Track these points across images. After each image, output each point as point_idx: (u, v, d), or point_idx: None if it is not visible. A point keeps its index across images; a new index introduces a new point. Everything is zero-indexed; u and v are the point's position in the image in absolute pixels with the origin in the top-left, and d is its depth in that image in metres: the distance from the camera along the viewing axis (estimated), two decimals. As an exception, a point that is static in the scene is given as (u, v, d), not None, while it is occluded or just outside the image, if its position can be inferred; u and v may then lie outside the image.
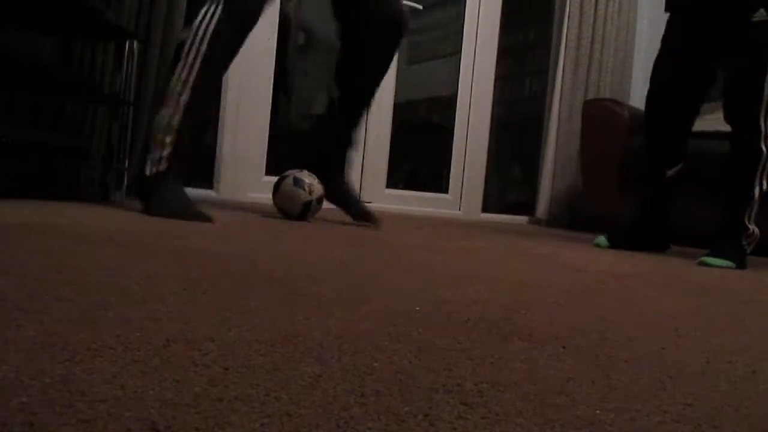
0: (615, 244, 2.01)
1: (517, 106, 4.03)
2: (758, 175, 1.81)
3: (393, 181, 3.35)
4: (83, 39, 2.11)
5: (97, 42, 2.12)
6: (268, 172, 2.87)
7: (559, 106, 3.54)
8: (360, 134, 3.12)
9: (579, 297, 0.97)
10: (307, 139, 2.12)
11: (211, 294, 0.68)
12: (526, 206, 3.80)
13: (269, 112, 2.85)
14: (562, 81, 3.54)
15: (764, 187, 1.83)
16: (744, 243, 1.83)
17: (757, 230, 1.84)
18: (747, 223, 1.82)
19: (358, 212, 1.99)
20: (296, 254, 1.15)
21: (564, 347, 0.60)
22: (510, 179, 3.96)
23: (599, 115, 3.10)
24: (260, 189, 2.83)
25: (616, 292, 1.08)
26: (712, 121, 2.84)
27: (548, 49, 3.73)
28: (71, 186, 2.13)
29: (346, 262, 1.09)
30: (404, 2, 3.20)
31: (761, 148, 1.80)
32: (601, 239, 2.03)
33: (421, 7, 3.31)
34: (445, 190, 3.55)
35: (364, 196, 3.15)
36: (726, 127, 2.72)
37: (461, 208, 3.55)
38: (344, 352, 0.51)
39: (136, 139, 2.27)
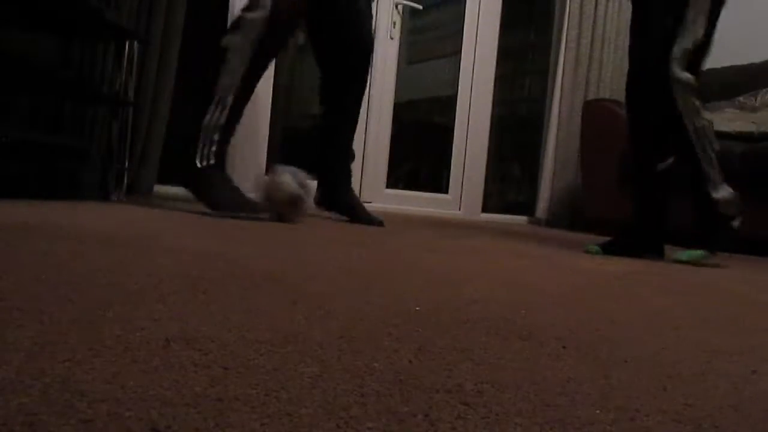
0: (608, 252, 1.83)
1: (517, 106, 4.03)
2: (698, 149, 1.71)
3: (393, 181, 3.35)
4: (83, 39, 2.11)
5: (97, 42, 2.12)
6: (268, 172, 2.87)
7: (559, 106, 3.54)
8: (361, 134, 3.13)
9: (579, 297, 0.97)
10: (316, 153, 2.26)
11: (211, 294, 0.68)
12: (526, 206, 3.80)
13: (269, 112, 2.86)
14: (562, 81, 3.54)
15: (710, 152, 1.72)
16: (721, 214, 1.72)
17: (728, 193, 1.72)
18: (714, 194, 1.72)
19: (365, 221, 2.07)
20: (296, 254, 1.15)
21: (564, 347, 0.60)
22: (510, 179, 3.96)
23: (599, 115, 3.10)
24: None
25: (616, 292, 1.08)
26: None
27: (548, 49, 3.73)
28: (71, 186, 2.13)
29: (346, 262, 1.09)
30: (404, 2, 3.20)
31: (686, 125, 1.71)
32: (593, 247, 1.83)
33: (421, 7, 3.31)
34: (445, 190, 3.55)
35: (364, 196, 3.15)
36: (727, 127, 2.73)
37: (461, 208, 3.55)
38: (344, 352, 0.51)
39: (136, 139, 2.27)
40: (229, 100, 1.74)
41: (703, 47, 1.72)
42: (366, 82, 2.19)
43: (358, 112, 2.21)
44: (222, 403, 0.37)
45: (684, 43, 1.68)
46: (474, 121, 3.52)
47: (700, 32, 1.70)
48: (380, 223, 2.04)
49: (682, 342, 0.69)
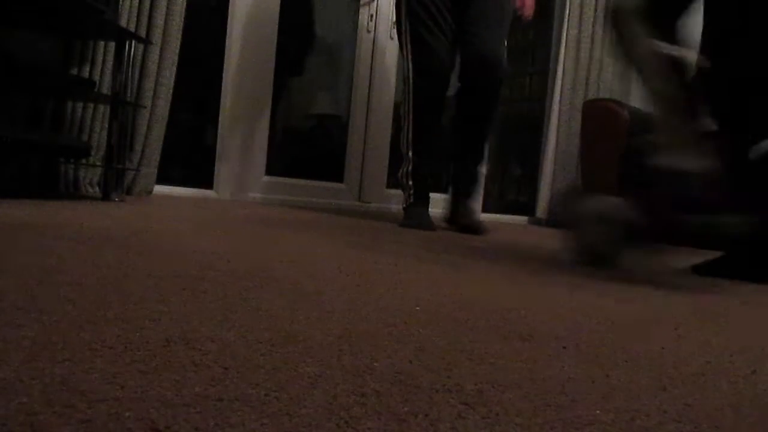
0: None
1: (517, 106, 4.02)
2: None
3: (393, 181, 3.35)
4: (83, 39, 2.11)
5: (97, 42, 2.12)
6: (268, 172, 2.87)
7: (559, 106, 3.54)
8: (360, 134, 3.13)
9: (579, 297, 0.97)
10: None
11: (211, 294, 0.68)
12: (526, 206, 3.79)
13: (269, 111, 2.85)
14: (562, 81, 3.53)
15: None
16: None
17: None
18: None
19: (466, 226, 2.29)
20: (297, 254, 1.15)
21: (564, 347, 0.60)
22: (510, 179, 3.96)
23: (599, 115, 3.10)
24: (260, 189, 2.83)
25: (616, 292, 1.08)
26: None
27: (548, 49, 3.73)
28: (71, 186, 2.13)
29: (347, 262, 1.09)
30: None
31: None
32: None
33: (421, 7, 3.30)
34: (445, 190, 3.54)
35: (364, 197, 3.15)
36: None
37: (461, 208, 3.54)
38: (344, 352, 0.51)
39: (135, 139, 2.27)
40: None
41: None
42: (494, 100, 2.28)
43: (487, 135, 2.42)
44: (222, 403, 0.37)
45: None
46: (474, 121, 3.52)
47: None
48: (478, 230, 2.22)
49: (682, 342, 0.69)
